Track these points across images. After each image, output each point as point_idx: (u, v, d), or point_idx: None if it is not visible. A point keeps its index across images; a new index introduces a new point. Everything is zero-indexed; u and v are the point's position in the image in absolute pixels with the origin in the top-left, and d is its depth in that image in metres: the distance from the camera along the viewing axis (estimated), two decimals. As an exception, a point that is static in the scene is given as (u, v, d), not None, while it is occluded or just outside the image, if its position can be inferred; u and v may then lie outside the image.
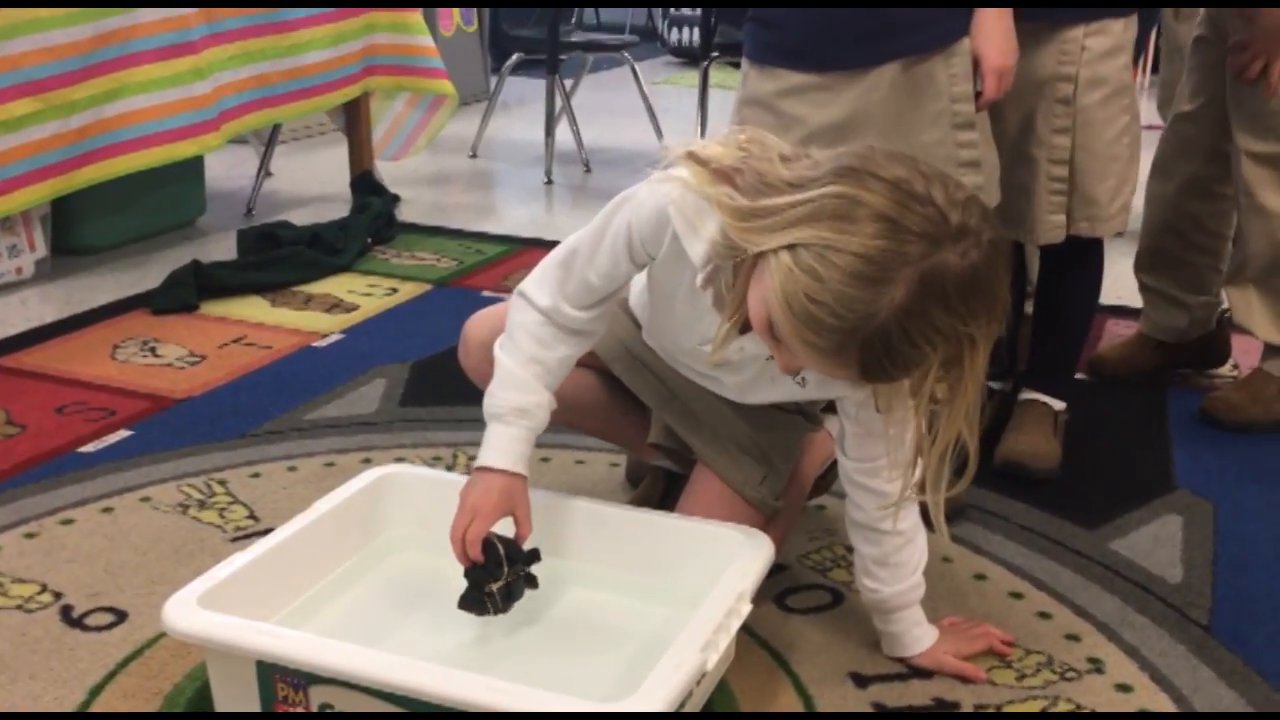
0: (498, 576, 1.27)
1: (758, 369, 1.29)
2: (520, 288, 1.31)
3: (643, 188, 1.21)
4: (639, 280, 1.34)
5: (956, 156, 1.59)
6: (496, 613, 1.29)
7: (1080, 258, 1.79)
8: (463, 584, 1.29)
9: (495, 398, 1.29)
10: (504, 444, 1.28)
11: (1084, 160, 1.70)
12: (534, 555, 1.31)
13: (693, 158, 1.16)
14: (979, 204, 1.06)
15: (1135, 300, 2.50)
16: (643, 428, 1.49)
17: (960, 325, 1.04)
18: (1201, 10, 2.07)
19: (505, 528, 1.29)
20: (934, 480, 1.15)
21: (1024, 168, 1.72)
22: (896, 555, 1.29)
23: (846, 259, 1.01)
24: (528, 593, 1.31)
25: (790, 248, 1.03)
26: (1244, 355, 2.25)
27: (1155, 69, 1.98)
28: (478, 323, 1.48)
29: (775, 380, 1.28)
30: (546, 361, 1.29)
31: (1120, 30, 1.70)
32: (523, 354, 1.29)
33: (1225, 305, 2.15)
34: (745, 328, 1.17)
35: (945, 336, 1.04)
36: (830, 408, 1.48)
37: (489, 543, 1.27)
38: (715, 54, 4.12)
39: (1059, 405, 1.86)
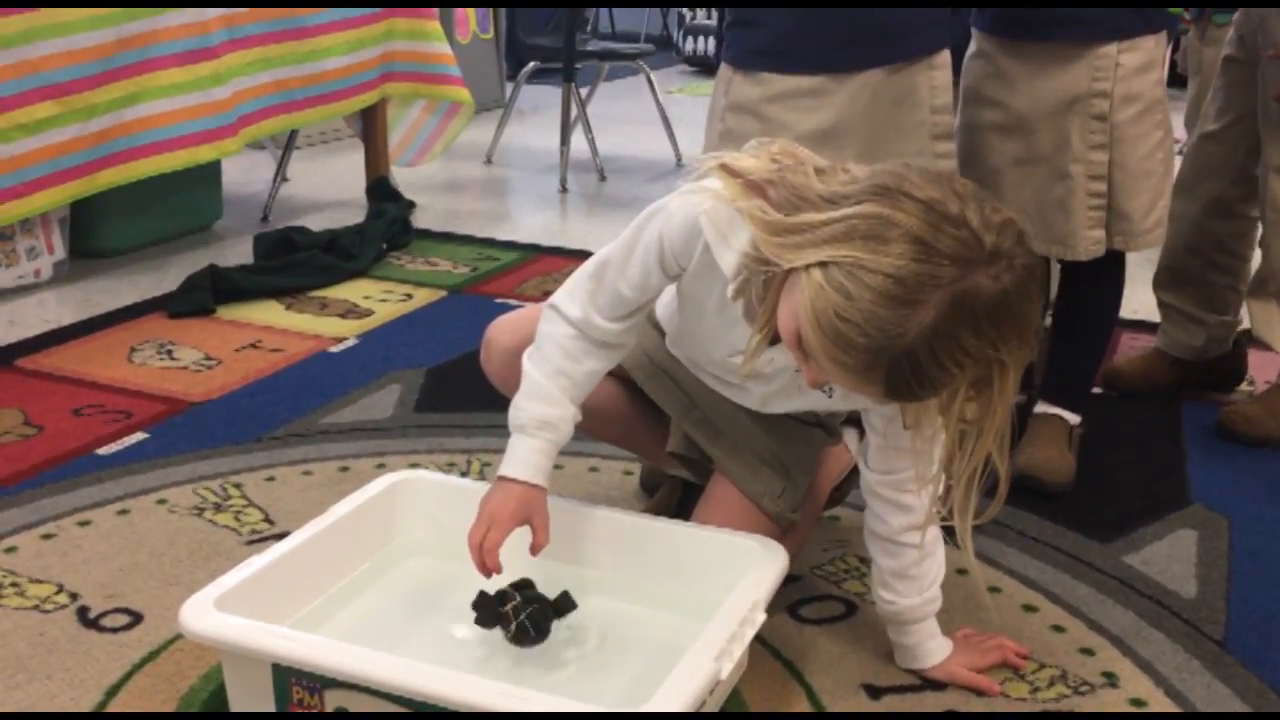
0: (508, 600, 1.29)
1: (785, 380, 1.30)
2: (551, 300, 1.31)
3: (674, 199, 1.22)
4: (667, 290, 1.34)
5: (935, 167, 1.60)
6: (517, 633, 1.29)
7: (1101, 272, 1.79)
8: (479, 583, 1.30)
9: (520, 409, 1.29)
10: (525, 455, 1.28)
11: (1118, 176, 1.71)
12: (565, 601, 1.32)
13: (725, 169, 1.16)
14: (1014, 227, 1.05)
15: (1153, 315, 2.50)
16: (661, 437, 1.50)
17: (989, 349, 1.04)
18: (1230, 30, 2.07)
19: (525, 539, 1.30)
20: (961, 504, 1.15)
21: (1062, 184, 1.72)
22: (915, 568, 1.29)
23: (877, 279, 1.01)
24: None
25: (822, 265, 1.04)
26: (1260, 370, 2.24)
27: (1173, 84, 1.99)
28: (501, 328, 1.49)
29: (802, 391, 1.29)
30: (573, 375, 1.29)
31: (1152, 46, 1.70)
32: (550, 366, 1.29)
33: (1244, 325, 2.15)
34: (775, 340, 1.17)
35: (974, 359, 1.04)
36: (850, 420, 1.49)
37: (501, 592, 1.30)
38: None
39: (1074, 419, 1.85)
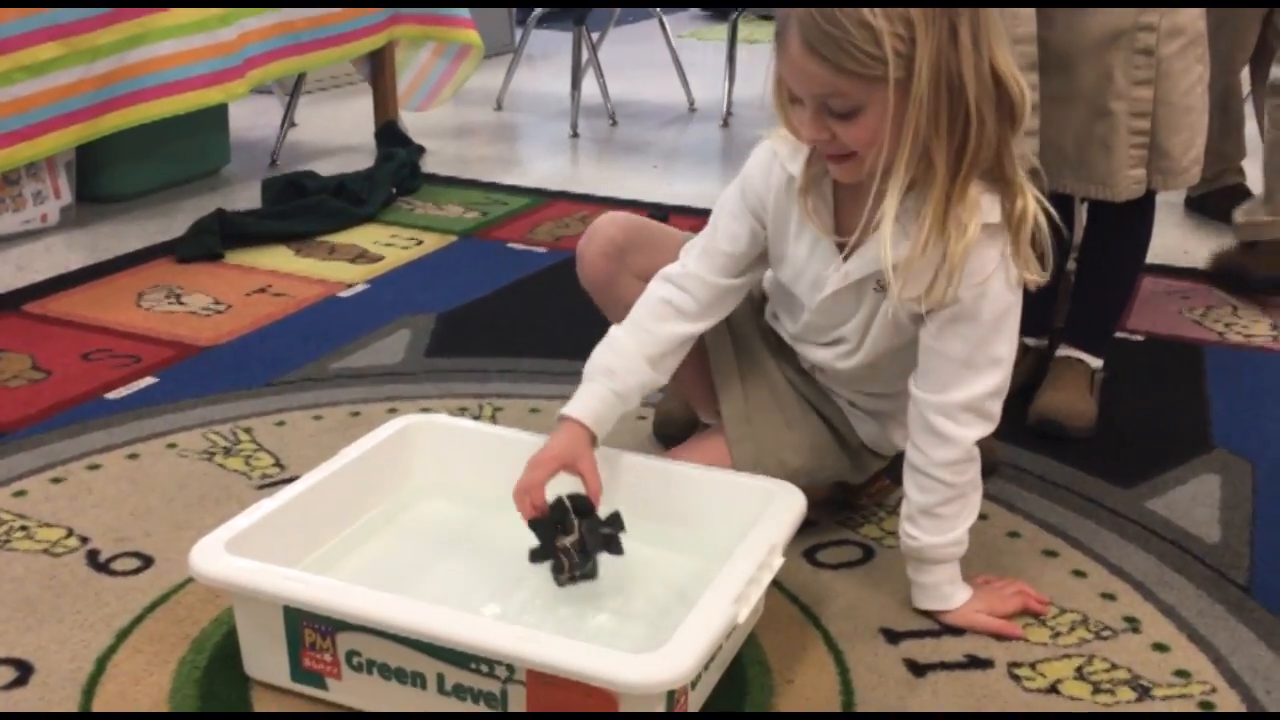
0: (568, 530, 1.25)
1: (868, 308, 1.31)
2: (659, 273, 1.38)
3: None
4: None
5: None
6: (575, 570, 1.25)
7: (1132, 213, 1.73)
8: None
9: (593, 359, 1.35)
10: (583, 398, 1.32)
11: (1161, 112, 1.65)
12: (616, 519, 1.28)
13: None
14: None
15: (1176, 259, 2.47)
16: (708, 387, 1.48)
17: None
18: None
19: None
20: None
21: (1103, 122, 1.65)
22: (944, 507, 1.27)
23: None
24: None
25: None
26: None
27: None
28: (608, 218, 1.48)
29: (881, 317, 1.30)
30: (656, 332, 1.34)
31: None
32: (633, 322, 1.35)
33: None
34: (845, 256, 1.28)
35: (887, 11, 1.09)
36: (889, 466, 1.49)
37: (557, 499, 1.25)
38: (743, 7, 4.05)
39: (1096, 363, 1.82)
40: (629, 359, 1.33)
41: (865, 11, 1.10)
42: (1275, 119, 2.30)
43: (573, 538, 1.25)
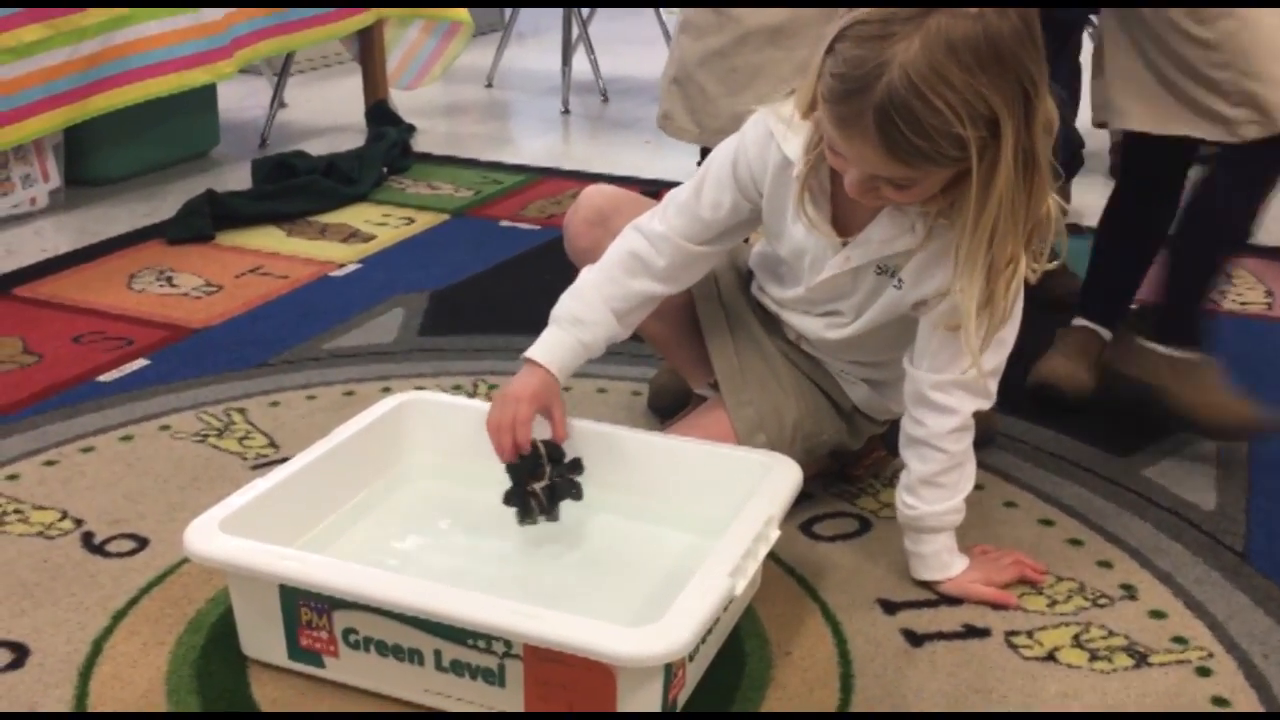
0: (539, 475, 1.28)
1: (867, 288, 1.30)
2: (633, 222, 1.35)
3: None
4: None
5: None
6: (542, 513, 1.29)
7: (1254, 164, 1.67)
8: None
9: (560, 303, 1.34)
10: (551, 343, 1.32)
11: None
12: (578, 464, 1.32)
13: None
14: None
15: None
16: (698, 356, 1.48)
17: (982, 89, 1.04)
18: None
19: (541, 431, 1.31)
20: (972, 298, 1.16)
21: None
22: (944, 476, 1.27)
23: (856, 28, 1.07)
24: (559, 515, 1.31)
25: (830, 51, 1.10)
26: None
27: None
28: (595, 189, 1.50)
29: (882, 301, 1.29)
30: (624, 286, 1.33)
31: None
32: (603, 273, 1.34)
33: None
34: (844, 243, 1.26)
35: (967, 102, 1.04)
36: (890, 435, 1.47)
37: (532, 444, 1.28)
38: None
39: (1107, 334, 1.80)
40: (596, 311, 1.32)
41: (953, 120, 1.04)
42: None
43: (543, 483, 1.28)
